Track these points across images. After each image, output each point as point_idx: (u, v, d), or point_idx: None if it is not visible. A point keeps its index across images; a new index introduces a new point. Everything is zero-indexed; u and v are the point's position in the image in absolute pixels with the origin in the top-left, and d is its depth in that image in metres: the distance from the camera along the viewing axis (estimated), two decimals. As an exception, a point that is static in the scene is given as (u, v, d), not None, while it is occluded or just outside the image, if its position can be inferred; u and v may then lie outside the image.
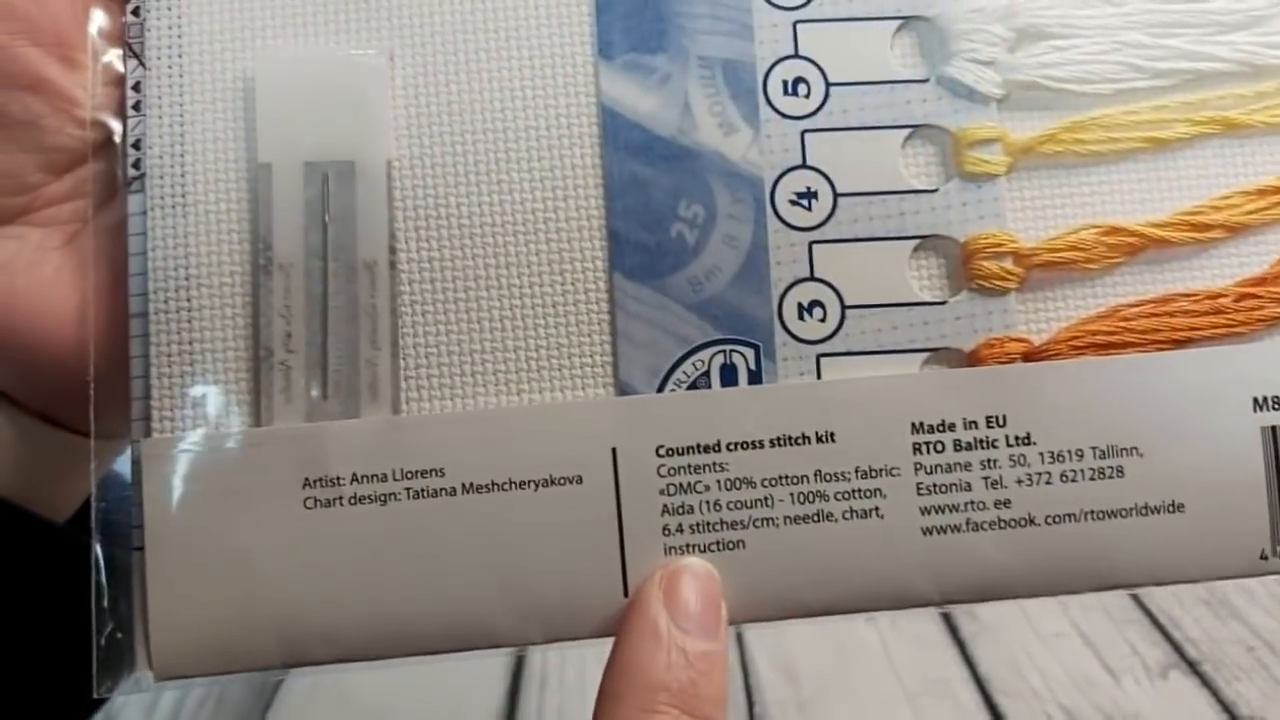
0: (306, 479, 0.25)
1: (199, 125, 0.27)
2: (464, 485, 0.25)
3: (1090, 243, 0.27)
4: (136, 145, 0.26)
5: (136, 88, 0.27)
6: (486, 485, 0.25)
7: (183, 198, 0.26)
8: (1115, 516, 0.26)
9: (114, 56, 0.27)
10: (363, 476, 0.25)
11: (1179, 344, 0.27)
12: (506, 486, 0.25)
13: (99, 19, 0.27)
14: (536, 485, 0.25)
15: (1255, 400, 0.26)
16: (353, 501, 0.25)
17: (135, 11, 0.27)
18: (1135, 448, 0.26)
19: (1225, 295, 0.27)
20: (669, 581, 0.25)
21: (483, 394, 0.26)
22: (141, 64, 0.27)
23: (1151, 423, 0.26)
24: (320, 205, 0.26)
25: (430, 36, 0.27)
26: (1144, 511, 0.26)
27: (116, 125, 0.27)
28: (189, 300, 0.26)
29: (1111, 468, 0.26)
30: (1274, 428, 0.26)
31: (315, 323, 0.26)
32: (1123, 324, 0.27)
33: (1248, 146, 0.28)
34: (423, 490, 0.25)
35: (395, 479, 0.25)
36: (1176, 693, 0.52)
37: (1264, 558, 0.26)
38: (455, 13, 0.27)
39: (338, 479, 0.25)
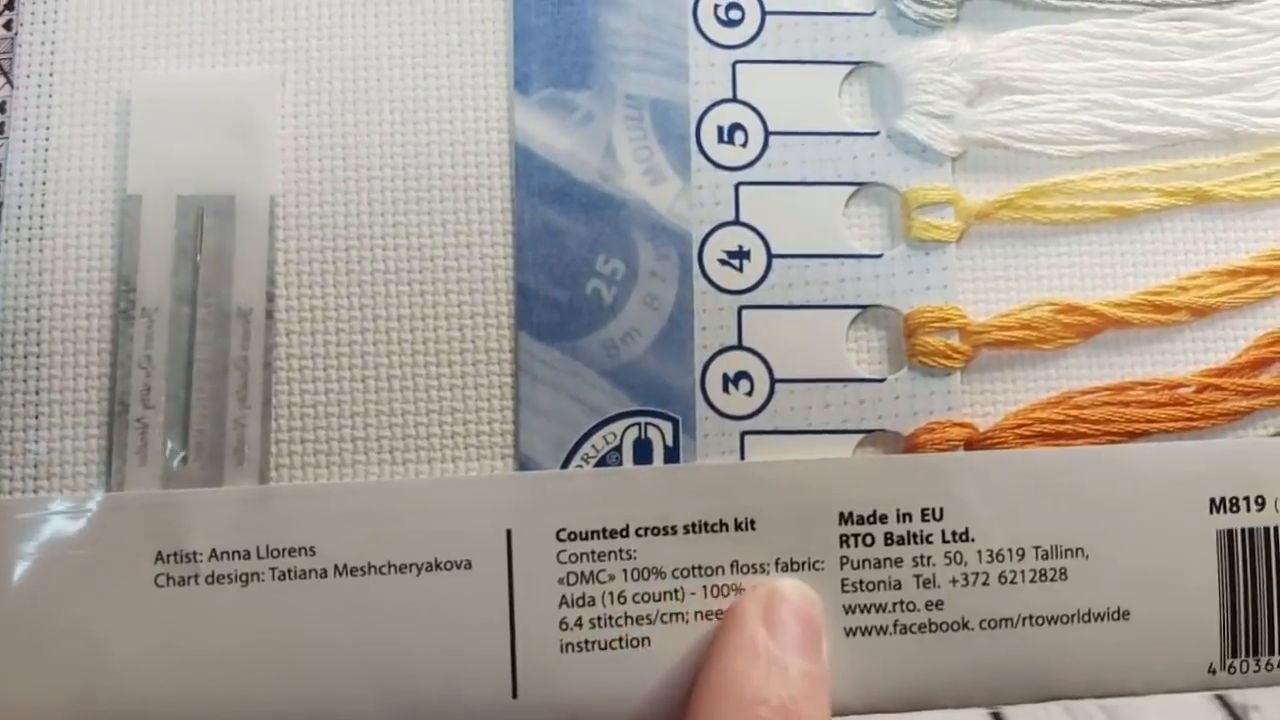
0: (159, 553, 0.22)
1: (65, 150, 0.24)
2: (336, 567, 0.23)
3: (1044, 321, 0.25)
4: (-6, 169, 0.24)
5: (1, 108, 0.24)
6: (362, 568, 0.23)
7: (40, 230, 0.24)
8: (1055, 623, 0.24)
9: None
10: (223, 553, 0.22)
11: (1134, 436, 0.24)
12: (385, 570, 0.23)
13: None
14: (419, 570, 0.23)
15: (1212, 501, 0.24)
16: (210, 581, 0.22)
17: (7, 25, 0.24)
18: (1081, 548, 0.24)
19: (1186, 385, 0.25)
20: (767, 599, 0.23)
21: (363, 463, 0.23)
22: (9, 82, 0.24)
23: (1100, 521, 0.24)
24: (193, 244, 0.23)
25: (327, 60, 0.24)
26: (1086, 618, 0.24)
27: (-27, 146, 0.24)
28: (39, 345, 0.23)
29: (1054, 569, 0.24)
30: (1230, 531, 0.24)
31: (178, 376, 0.23)
32: (1074, 412, 0.24)
33: (1220, 221, 0.26)
34: (290, 571, 0.23)
35: (259, 557, 0.22)
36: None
37: (1212, 672, 0.24)
38: (356, 35, 0.25)
39: (195, 554, 0.22)
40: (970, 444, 0.24)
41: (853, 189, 0.25)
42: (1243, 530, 0.24)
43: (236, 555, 0.22)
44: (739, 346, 0.24)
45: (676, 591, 0.23)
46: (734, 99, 0.25)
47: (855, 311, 0.25)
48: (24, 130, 0.24)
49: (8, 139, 0.24)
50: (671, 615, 0.23)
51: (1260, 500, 0.24)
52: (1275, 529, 0.24)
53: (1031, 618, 0.24)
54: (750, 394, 0.24)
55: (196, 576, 0.22)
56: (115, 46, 0.24)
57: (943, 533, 0.24)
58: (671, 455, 0.24)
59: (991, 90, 0.25)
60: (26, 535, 0.22)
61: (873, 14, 0.25)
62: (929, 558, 0.24)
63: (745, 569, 0.23)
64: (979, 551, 0.24)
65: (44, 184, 0.24)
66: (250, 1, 0.25)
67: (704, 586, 0.23)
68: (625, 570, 0.23)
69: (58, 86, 0.24)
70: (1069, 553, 0.24)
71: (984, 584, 0.24)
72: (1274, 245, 0.25)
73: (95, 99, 0.24)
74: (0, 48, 0.24)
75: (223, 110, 0.24)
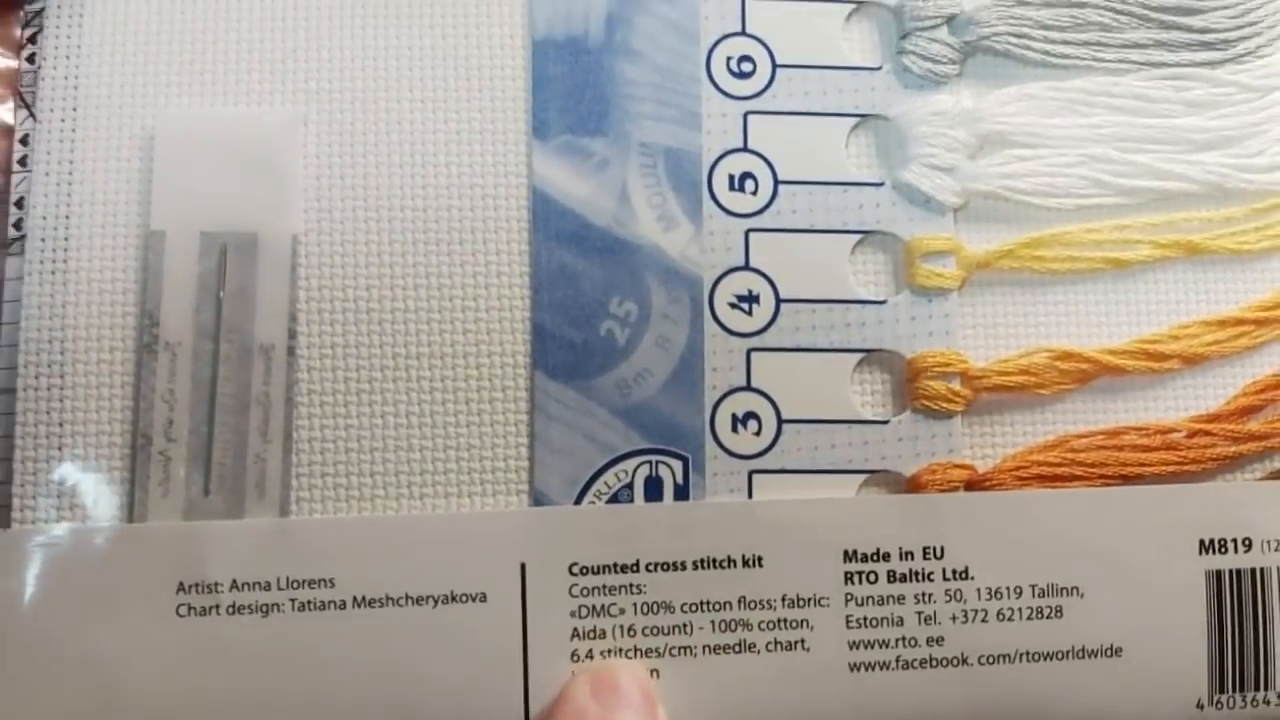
0: (181, 584, 0.23)
1: (89, 185, 0.24)
2: (355, 599, 0.23)
3: (1042, 367, 0.25)
4: (19, 204, 0.24)
5: (25, 140, 0.24)
6: (380, 599, 0.23)
7: (64, 264, 0.24)
8: (1051, 659, 0.24)
9: (4, 105, 0.25)
10: (244, 584, 0.23)
11: (1127, 480, 0.25)
12: (402, 602, 0.23)
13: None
14: (435, 602, 0.23)
15: (1201, 543, 0.25)
16: (231, 611, 0.23)
17: (31, 59, 0.25)
18: (1076, 587, 0.25)
19: (1178, 430, 0.26)
20: (596, 676, 0.23)
21: (381, 497, 0.24)
22: (32, 115, 0.24)
23: (1094, 562, 0.25)
24: (216, 280, 0.24)
25: (349, 102, 0.25)
26: (1081, 655, 0.24)
27: (-1, 180, 0.24)
28: (62, 377, 0.23)
29: (1050, 608, 0.24)
30: (1219, 572, 0.25)
31: (201, 410, 0.23)
32: (1070, 455, 0.25)
33: (1211, 273, 0.26)
34: (309, 602, 0.23)
35: (280, 588, 0.23)
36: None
37: (1200, 707, 0.25)
38: (378, 78, 0.25)
39: (216, 585, 0.23)
40: (970, 485, 0.25)
41: (858, 237, 0.26)
42: (1231, 571, 0.25)
43: (257, 586, 0.23)
44: (748, 388, 0.25)
45: (685, 625, 0.24)
46: (745, 148, 0.26)
47: (860, 355, 0.25)
48: (47, 164, 0.24)
49: (31, 172, 0.24)
50: (680, 649, 0.24)
51: (1248, 542, 0.25)
52: (1262, 570, 0.25)
53: (1028, 654, 0.24)
54: (758, 434, 0.25)
55: (218, 607, 0.23)
56: (139, 82, 0.25)
57: (944, 571, 0.24)
58: (681, 493, 0.24)
59: (993, 144, 0.26)
60: (48, 564, 0.23)
61: (879, 69, 0.26)
62: (930, 595, 0.24)
63: (752, 605, 0.24)
64: (978, 589, 0.24)
65: (67, 218, 0.24)
66: (274, 41, 0.25)
67: (712, 621, 0.24)
68: (635, 604, 0.24)
69: (81, 120, 0.25)
70: (1065, 591, 0.24)
71: (983, 621, 0.24)
72: (1262, 296, 0.26)
73: (119, 134, 0.25)
74: (23, 80, 0.25)
75: (246, 148, 0.24)
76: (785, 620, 0.24)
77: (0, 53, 0.25)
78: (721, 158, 0.25)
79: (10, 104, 0.25)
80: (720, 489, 0.25)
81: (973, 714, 0.24)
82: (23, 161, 0.24)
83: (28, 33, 0.25)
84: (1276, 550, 0.25)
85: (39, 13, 0.25)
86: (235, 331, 0.24)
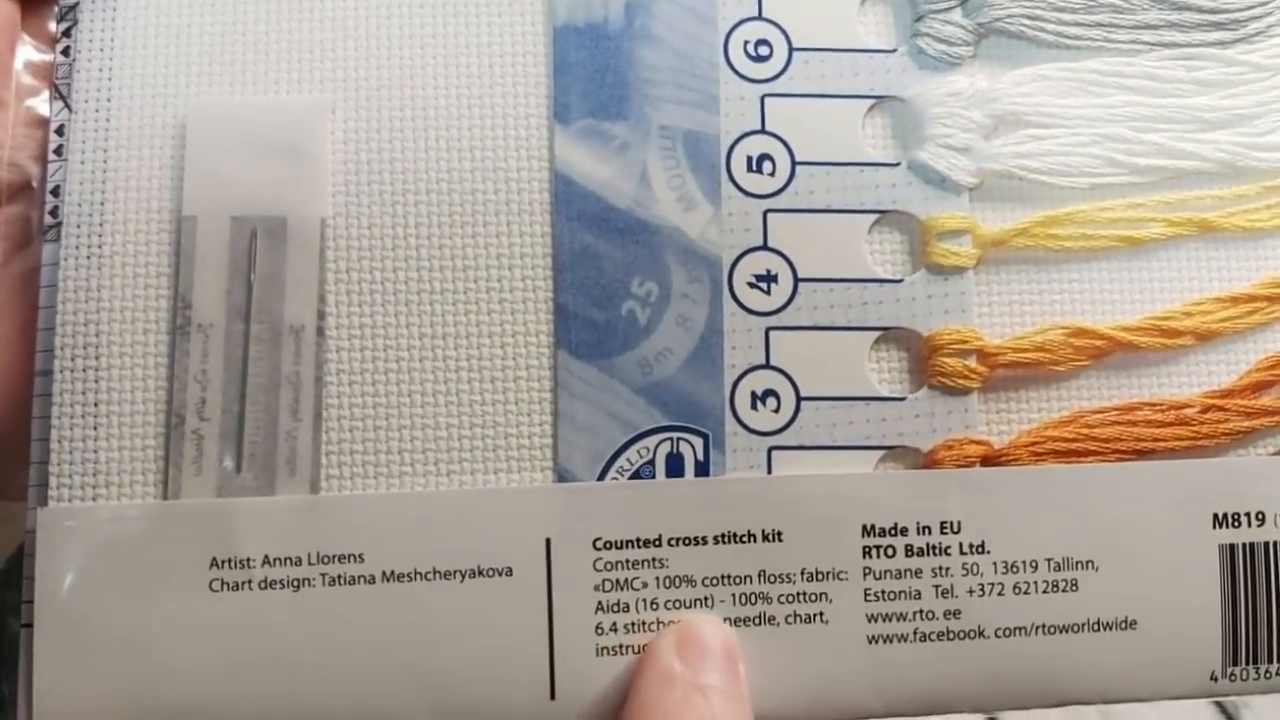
0: (214, 559, 0.23)
1: (122, 173, 0.25)
2: (384, 573, 0.24)
3: (1057, 344, 0.26)
4: (55, 192, 0.25)
5: (60, 131, 0.25)
6: (408, 574, 0.24)
7: (99, 249, 0.24)
8: (1067, 632, 0.25)
9: (39, 97, 0.25)
10: (275, 559, 0.23)
11: (1141, 454, 0.26)
12: (430, 576, 0.24)
13: (25, 55, 0.25)
14: (463, 576, 0.24)
15: (1215, 517, 0.25)
16: (263, 585, 0.23)
17: (65, 51, 0.25)
18: (1091, 561, 0.25)
19: (1191, 406, 0.26)
20: (680, 632, 0.24)
21: (409, 474, 0.24)
22: (67, 106, 0.25)
23: (1109, 536, 0.25)
24: (246, 263, 0.24)
25: (375, 89, 0.25)
26: (1096, 628, 0.25)
27: (35, 169, 0.25)
28: (98, 359, 0.24)
29: (1066, 581, 0.25)
30: (1232, 546, 0.25)
31: (233, 389, 0.24)
32: (1085, 431, 0.26)
33: (1223, 250, 0.27)
34: (339, 577, 0.23)
35: (310, 563, 0.23)
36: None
37: (1214, 679, 0.25)
38: (403, 65, 0.26)
39: (248, 560, 0.23)
40: (987, 460, 0.25)
41: (875, 217, 0.26)
42: (1244, 545, 0.25)
43: (288, 562, 0.23)
44: (767, 366, 0.25)
45: (707, 599, 0.24)
46: (762, 130, 0.26)
47: (877, 333, 0.26)
48: (82, 153, 0.25)
49: (66, 161, 0.25)
50: (702, 622, 0.24)
51: (1260, 516, 0.25)
52: (1275, 544, 0.25)
53: (1044, 627, 0.25)
54: (777, 411, 0.25)
55: (250, 582, 0.23)
56: (171, 73, 0.25)
57: (960, 545, 0.25)
58: (702, 469, 0.25)
59: (1007, 124, 0.27)
60: (84, 541, 0.23)
61: (894, 51, 0.27)
62: (947, 569, 0.25)
63: (773, 578, 0.24)
64: (994, 563, 0.25)
65: (102, 205, 0.25)
66: (302, 32, 0.26)
67: (733, 594, 0.24)
68: (658, 578, 0.24)
69: (115, 111, 0.25)
70: (1080, 565, 0.25)
71: (999, 594, 0.25)
72: (1274, 273, 0.27)
73: (152, 123, 0.25)
74: (59, 73, 0.25)
75: (275, 135, 0.25)
76: (804, 594, 0.24)
77: (35, 46, 0.25)
78: (739, 140, 0.26)
79: (45, 95, 0.25)
80: (740, 465, 0.25)
81: (989, 686, 0.25)
82: (58, 151, 0.25)
83: (62, 26, 0.25)
84: (1290, 523, 0.25)
85: (73, 7, 0.25)
86: (266, 313, 0.24)
